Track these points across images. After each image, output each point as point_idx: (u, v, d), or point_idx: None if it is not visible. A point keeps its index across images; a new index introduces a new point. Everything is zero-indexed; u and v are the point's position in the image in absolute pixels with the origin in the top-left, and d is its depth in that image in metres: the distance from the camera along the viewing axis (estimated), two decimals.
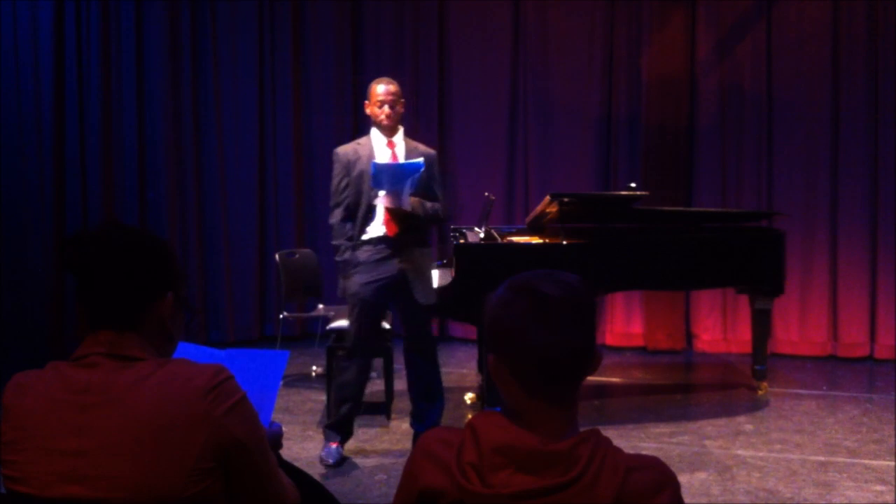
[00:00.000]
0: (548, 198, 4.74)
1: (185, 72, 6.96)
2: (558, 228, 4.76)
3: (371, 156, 4.09)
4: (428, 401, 4.29)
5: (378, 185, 3.95)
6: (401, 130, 4.20)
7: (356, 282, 4.08)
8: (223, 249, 7.12)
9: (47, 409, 1.46)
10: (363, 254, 4.08)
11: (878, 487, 3.83)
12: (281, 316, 6.05)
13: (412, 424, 4.36)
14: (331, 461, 4.12)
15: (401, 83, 7.18)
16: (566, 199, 4.68)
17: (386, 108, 4.09)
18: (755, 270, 5.13)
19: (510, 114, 7.26)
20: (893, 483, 3.87)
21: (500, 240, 5.12)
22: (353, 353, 4.17)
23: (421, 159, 3.96)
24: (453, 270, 4.56)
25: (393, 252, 4.07)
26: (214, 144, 7.09)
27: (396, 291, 4.11)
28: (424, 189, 4.10)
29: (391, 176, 3.92)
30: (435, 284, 4.71)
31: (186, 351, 1.75)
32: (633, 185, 5.23)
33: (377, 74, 7.23)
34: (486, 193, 5.21)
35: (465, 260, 4.49)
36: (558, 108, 7.13)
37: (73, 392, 1.46)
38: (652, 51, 6.89)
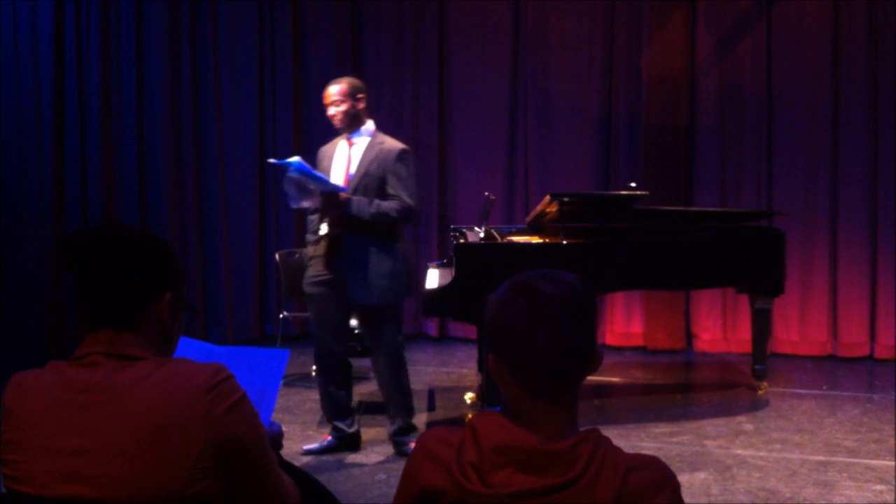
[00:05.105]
0: (548, 198, 4.74)
1: (185, 72, 6.97)
2: (558, 228, 4.76)
3: (332, 154, 4.22)
4: (392, 408, 4.30)
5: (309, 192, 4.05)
6: (365, 126, 4.19)
7: (305, 278, 4.22)
8: (223, 249, 7.13)
9: (47, 409, 1.46)
10: (310, 250, 4.20)
11: (878, 487, 3.83)
12: (281, 316, 6.05)
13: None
14: (305, 448, 4.27)
15: (401, 83, 7.31)
16: (566, 199, 4.68)
17: (331, 110, 4.14)
18: (755, 270, 5.13)
19: (510, 114, 7.26)
20: (893, 483, 3.87)
21: (500, 240, 5.12)
22: (316, 354, 4.28)
23: (296, 158, 3.95)
24: (453, 270, 4.56)
25: (330, 249, 4.10)
26: (214, 144, 7.10)
27: (341, 290, 4.11)
28: (378, 186, 4.07)
29: (302, 180, 3.97)
30: (435, 284, 4.72)
31: (187, 347, 1.75)
32: (633, 184, 5.23)
33: (377, 74, 7.34)
34: (486, 193, 5.21)
35: (465, 260, 4.49)
36: (558, 108, 7.13)
37: (73, 391, 1.46)
38: (652, 51, 6.90)
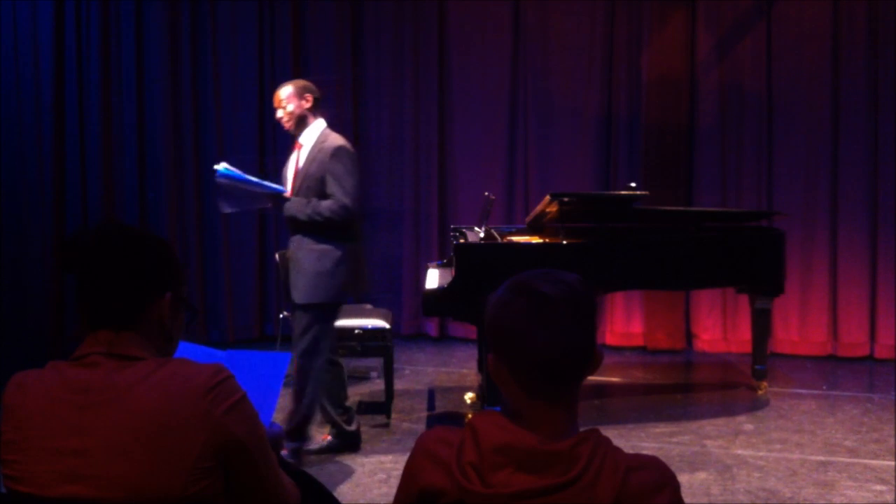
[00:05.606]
0: (548, 198, 4.75)
1: (185, 72, 6.97)
2: (558, 228, 4.76)
3: (287, 157, 4.25)
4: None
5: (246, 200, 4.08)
6: (313, 125, 4.12)
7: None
8: (223, 249, 7.12)
9: (47, 409, 1.46)
10: (289, 253, 4.24)
11: (878, 487, 3.83)
12: (281, 316, 6.04)
13: None
14: (305, 448, 4.24)
15: (401, 83, 7.30)
16: (566, 199, 4.68)
17: (278, 113, 4.12)
18: (755, 270, 5.13)
19: (510, 113, 7.26)
20: (893, 483, 3.87)
21: (500, 240, 5.12)
22: None
23: (222, 165, 3.94)
24: (453, 270, 4.56)
25: (290, 250, 4.18)
26: (214, 144, 7.09)
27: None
28: (319, 186, 4.01)
29: (233, 185, 3.99)
30: (435, 284, 4.72)
31: (187, 351, 1.75)
32: (633, 184, 5.23)
33: (377, 74, 7.34)
34: (486, 193, 5.22)
35: (465, 260, 4.49)
36: (558, 108, 7.12)
37: (73, 391, 1.46)
38: (652, 51, 6.89)
